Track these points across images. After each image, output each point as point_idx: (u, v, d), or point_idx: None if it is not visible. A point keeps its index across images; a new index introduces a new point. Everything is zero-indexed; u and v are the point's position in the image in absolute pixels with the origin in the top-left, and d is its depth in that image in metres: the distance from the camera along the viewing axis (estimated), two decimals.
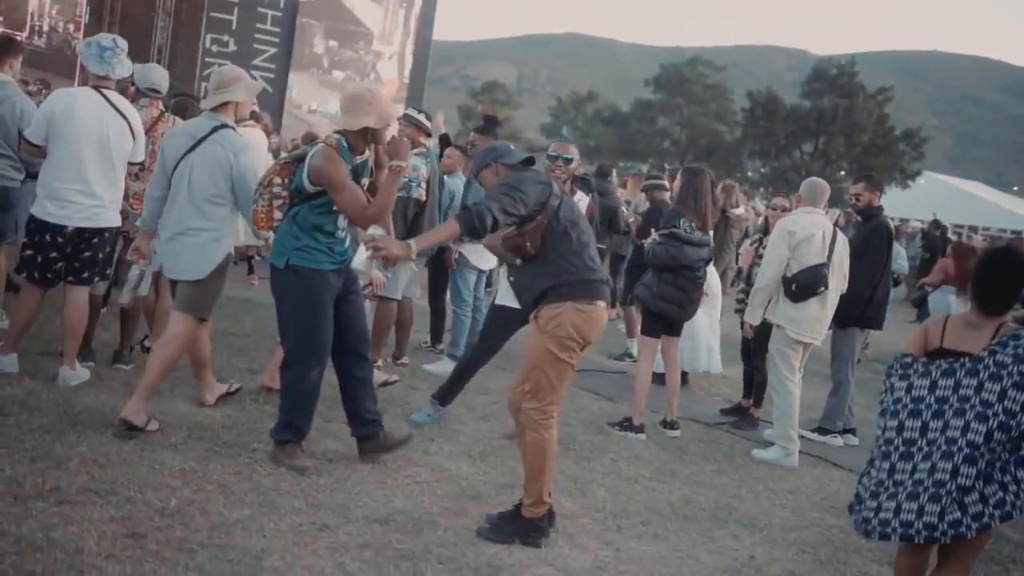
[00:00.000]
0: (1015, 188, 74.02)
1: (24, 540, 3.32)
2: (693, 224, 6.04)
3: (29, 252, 5.27)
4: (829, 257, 6.07)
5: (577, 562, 3.88)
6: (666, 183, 8.33)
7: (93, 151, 5.20)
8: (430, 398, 5.69)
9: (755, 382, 6.98)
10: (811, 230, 6.05)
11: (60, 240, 5.22)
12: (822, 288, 5.98)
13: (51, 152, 5.18)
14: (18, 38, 8.01)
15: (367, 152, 4.60)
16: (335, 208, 4.44)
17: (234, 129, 4.97)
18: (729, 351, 9.71)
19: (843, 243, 6.26)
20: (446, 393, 5.65)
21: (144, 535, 3.52)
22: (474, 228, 3.86)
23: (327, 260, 4.50)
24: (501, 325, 5.57)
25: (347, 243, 4.62)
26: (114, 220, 5.44)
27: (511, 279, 4.32)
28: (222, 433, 4.86)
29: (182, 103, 6.52)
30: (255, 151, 9.63)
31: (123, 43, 5.39)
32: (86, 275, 5.40)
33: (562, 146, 5.76)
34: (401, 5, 20.45)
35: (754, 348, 6.92)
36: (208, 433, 4.82)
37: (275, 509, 3.97)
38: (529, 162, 4.14)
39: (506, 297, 5.05)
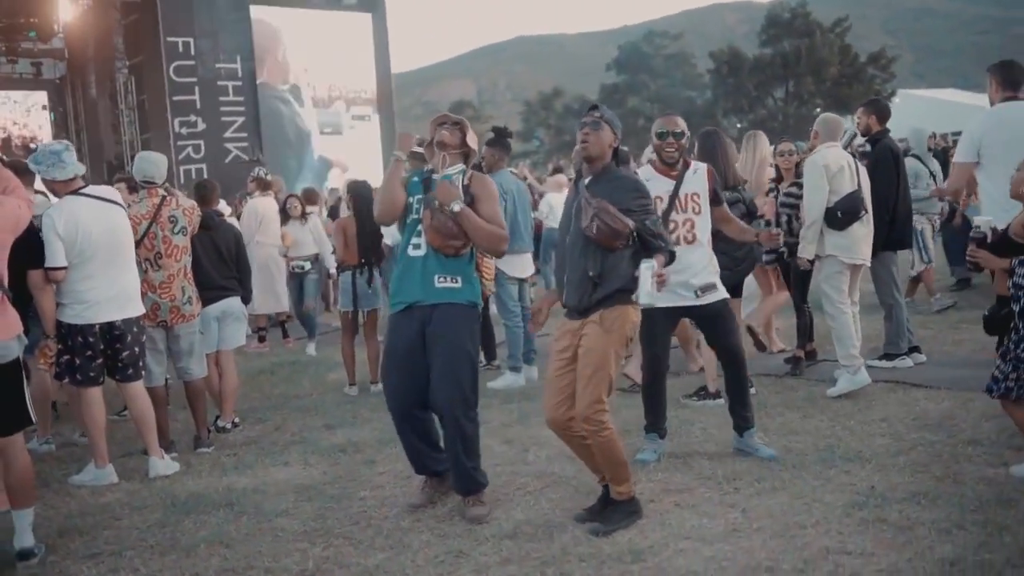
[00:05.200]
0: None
1: None
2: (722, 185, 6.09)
3: (66, 358, 5.27)
4: (858, 185, 6.33)
5: (711, 530, 3.94)
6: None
7: (105, 251, 5.23)
8: (644, 432, 5.16)
9: (803, 325, 7.06)
10: (840, 162, 6.29)
11: (91, 339, 5.24)
12: (863, 212, 6.26)
13: (69, 264, 5.14)
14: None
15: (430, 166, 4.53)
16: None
17: None
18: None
19: (864, 172, 6.53)
20: (653, 422, 5.13)
21: None
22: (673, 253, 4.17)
23: (392, 303, 4.51)
24: (658, 327, 4.99)
25: (409, 284, 4.38)
26: (137, 308, 5.47)
27: (569, 264, 4.19)
28: (326, 490, 4.93)
29: (203, 185, 6.64)
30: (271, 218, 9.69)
31: (68, 142, 5.41)
32: (131, 372, 5.45)
33: (669, 120, 5.07)
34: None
35: (796, 292, 7.00)
36: (313, 493, 4.89)
37: (406, 547, 4.03)
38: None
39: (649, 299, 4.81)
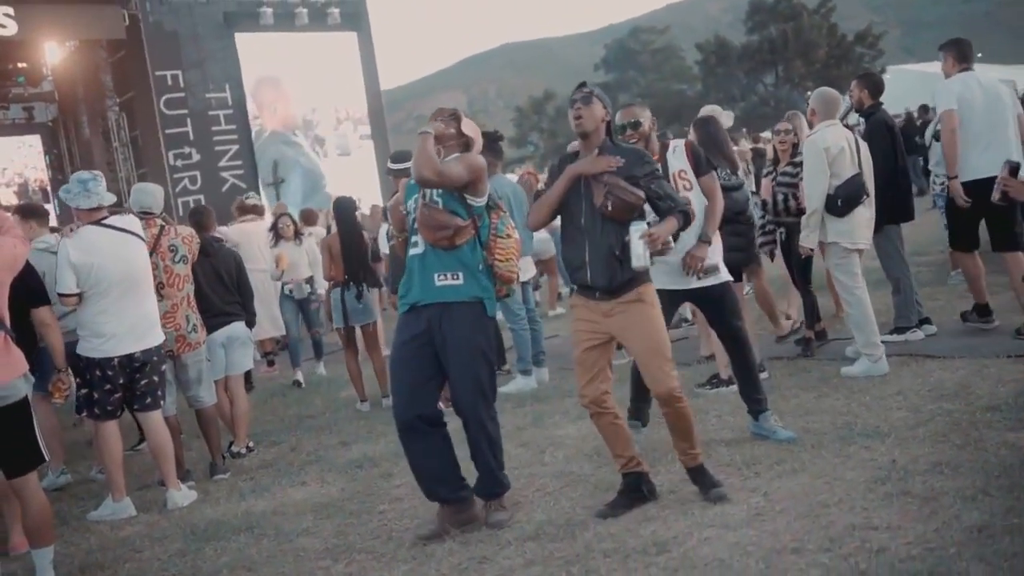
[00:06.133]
0: (979, 55, 73.71)
1: None
2: (728, 171, 6.05)
3: (84, 391, 5.31)
4: (859, 165, 6.15)
5: (734, 516, 3.90)
6: None
7: (121, 282, 5.25)
8: (627, 418, 4.88)
9: (808, 305, 7.03)
10: (840, 143, 6.08)
11: (110, 372, 5.25)
12: (864, 197, 6.07)
13: (83, 294, 5.19)
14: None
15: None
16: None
17: None
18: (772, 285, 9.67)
19: (865, 148, 6.34)
20: (639, 408, 5.12)
21: None
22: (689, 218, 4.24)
23: (399, 306, 4.42)
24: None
25: (411, 285, 4.24)
26: (157, 338, 5.46)
27: (589, 245, 4.10)
28: (345, 506, 4.90)
29: (199, 211, 6.64)
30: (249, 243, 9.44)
31: (98, 172, 5.46)
32: (149, 401, 5.44)
33: (626, 112, 4.96)
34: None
35: (797, 274, 6.96)
36: (333, 510, 4.86)
37: (429, 557, 4.00)
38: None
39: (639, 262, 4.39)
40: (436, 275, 4.17)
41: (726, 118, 7.43)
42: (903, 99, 32.36)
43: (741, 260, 6.14)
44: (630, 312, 4.10)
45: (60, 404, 5.45)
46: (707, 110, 7.16)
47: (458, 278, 4.17)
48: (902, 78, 49.28)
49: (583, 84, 4.30)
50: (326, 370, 9.50)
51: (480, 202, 4.29)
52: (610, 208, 4.01)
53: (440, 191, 4.21)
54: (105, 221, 5.31)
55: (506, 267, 4.32)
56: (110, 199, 5.36)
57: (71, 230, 5.30)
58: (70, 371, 5.29)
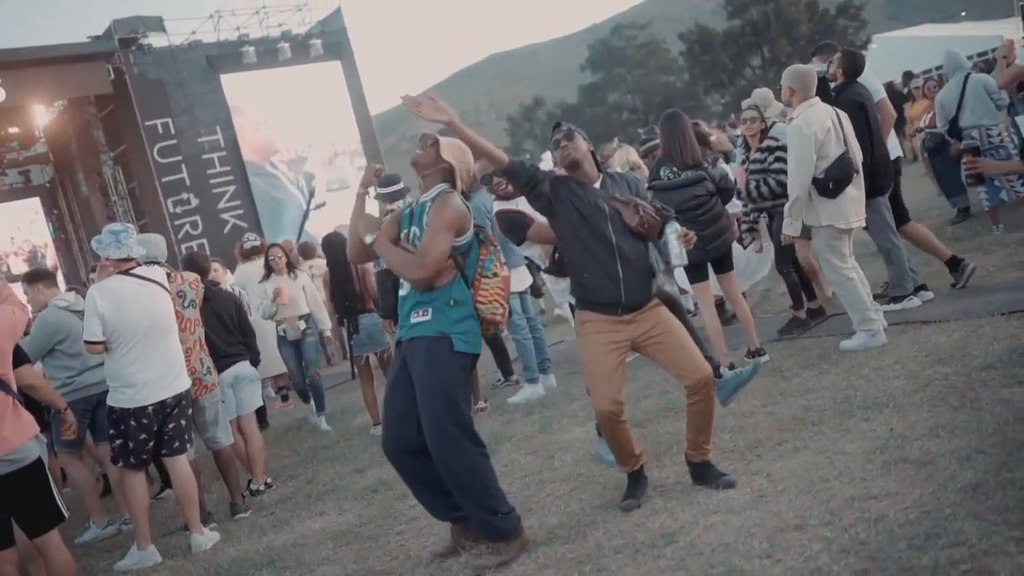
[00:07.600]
0: (963, 14, 73.49)
1: None
2: (675, 169, 6.10)
3: (119, 442, 5.44)
4: (844, 142, 6.08)
5: (738, 500, 3.96)
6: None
7: (149, 332, 5.40)
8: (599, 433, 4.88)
9: (791, 286, 7.08)
10: (826, 124, 6.00)
11: (145, 421, 5.38)
12: (855, 174, 6.03)
13: (111, 344, 5.35)
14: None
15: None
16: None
17: None
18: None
19: (848, 124, 6.23)
20: None
21: None
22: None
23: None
24: None
25: (408, 314, 4.16)
26: (185, 383, 5.61)
27: (621, 264, 4.17)
28: (363, 531, 4.99)
29: (194, 256, 6.77)
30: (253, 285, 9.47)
31: (130, 225, 5.62)
32: (177, 445, 5.57)
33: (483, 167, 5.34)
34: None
35: (778, 257, 7.00)
36: (351, 536, 4.95)
37: (446, 571, 4.09)
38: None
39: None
40: (412, 313, 4.11)
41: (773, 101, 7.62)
42: (888, 67, 32.18)
43: (699, 256, 5.89)
44: (653, 313, 4.28)
45: (72, 439, 5.58)
46: (759, 92, 7.85)
47: (427, 314, 4.07)
48: (888, 46, 49.10)
49: (557, 125, 4.48)
50: (327, 423, 8.55)
51: (462, 241, 4.12)
52: (645, 227, 4.18)
53: (417, 234, 4.13)
54: (133, 271, 5.49)
55: (488, 310, 4.15)
56: (139, 251, 5.57)
57: (97, 269, 5.44)
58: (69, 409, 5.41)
